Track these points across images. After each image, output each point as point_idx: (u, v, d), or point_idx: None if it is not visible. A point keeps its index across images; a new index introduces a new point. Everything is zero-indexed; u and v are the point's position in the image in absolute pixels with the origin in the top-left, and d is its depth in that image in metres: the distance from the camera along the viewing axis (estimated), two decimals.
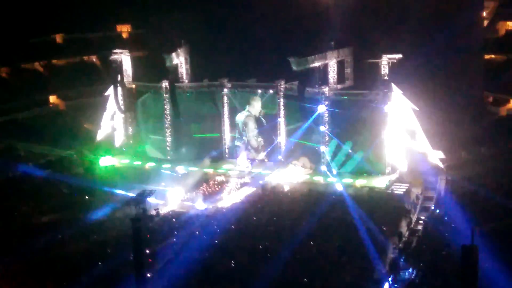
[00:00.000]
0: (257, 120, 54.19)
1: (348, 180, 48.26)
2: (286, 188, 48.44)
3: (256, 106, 53.87)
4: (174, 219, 43.10)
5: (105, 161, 55.43)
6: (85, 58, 71.95)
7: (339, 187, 47.30)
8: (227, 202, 46.65)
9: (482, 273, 25.25)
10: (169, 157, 55.91)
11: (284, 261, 35.00)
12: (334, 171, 49.54)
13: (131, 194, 46.05)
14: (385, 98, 47.41)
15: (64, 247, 38.09)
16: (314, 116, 49.59)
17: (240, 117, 54.32)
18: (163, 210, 44.77)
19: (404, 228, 40.32)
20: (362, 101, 48.59)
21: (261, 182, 49.46)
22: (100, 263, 35.39)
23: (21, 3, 64.48)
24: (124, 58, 57.15)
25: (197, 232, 39.82)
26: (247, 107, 54.00)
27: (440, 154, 48.23)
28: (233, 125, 54.78)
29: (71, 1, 66.47)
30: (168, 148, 56.20)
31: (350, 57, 51.56)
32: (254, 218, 42.10)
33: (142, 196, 45.07)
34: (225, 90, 53.80)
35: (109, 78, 58.80)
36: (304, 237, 37.71)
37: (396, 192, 46.42)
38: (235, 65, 56.54)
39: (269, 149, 53.66)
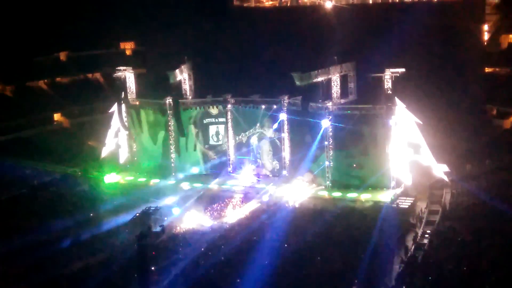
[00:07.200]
0: (272, 142, 54.02)
1: (353, 195, 48.21)
2: (292, 204, 48.32)
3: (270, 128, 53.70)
4: (179, 236, 43.01)
5: (110, 178, 55.47)
6: (89, 75, 72.39)
7: (344, 202, 47.18)
8: (232, 218, 46.54)
9: None
10: (174, 174, 55.85)
11: (291, 276, 35.00)
12: (339, 186, 49.52)
13: (137, 212, 46.36)
14: (389, 112, 47.43)
15: (69, 265, 38.04)
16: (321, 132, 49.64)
17: (254, 140, 54.33)
18: (169, 227, 44.62)
19: (410, 242, 40.19)
20: (366, 115, 48.61)
21: (267, 197, 49.32)
22: (105, 281, 35.34)
23: (25, 21, 64.92)
24: (128, 75, 57.34)
25: (203, 249, 39.74)
26: (258, 127, 53.93)
27: (445, 168, 48.11)
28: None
29: (75, 19, 66.87)
30: (172, 164, 56.13)
31: (353, 72, 51.54)
32: (258, 234, 41.99)
33: (147, 214, 45.10)
34: (229, 105, 53.88)
35: (113, 95, 58.99)
36: (310, 253, 37.70)
37: (401, 206, 46.30)
38: (238, 81, 56.72)
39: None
